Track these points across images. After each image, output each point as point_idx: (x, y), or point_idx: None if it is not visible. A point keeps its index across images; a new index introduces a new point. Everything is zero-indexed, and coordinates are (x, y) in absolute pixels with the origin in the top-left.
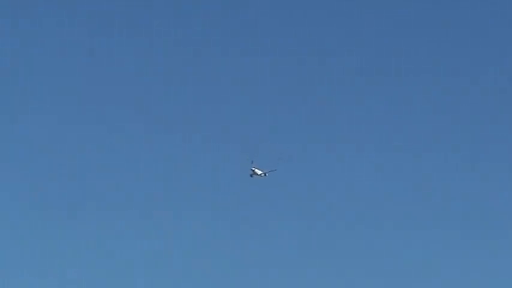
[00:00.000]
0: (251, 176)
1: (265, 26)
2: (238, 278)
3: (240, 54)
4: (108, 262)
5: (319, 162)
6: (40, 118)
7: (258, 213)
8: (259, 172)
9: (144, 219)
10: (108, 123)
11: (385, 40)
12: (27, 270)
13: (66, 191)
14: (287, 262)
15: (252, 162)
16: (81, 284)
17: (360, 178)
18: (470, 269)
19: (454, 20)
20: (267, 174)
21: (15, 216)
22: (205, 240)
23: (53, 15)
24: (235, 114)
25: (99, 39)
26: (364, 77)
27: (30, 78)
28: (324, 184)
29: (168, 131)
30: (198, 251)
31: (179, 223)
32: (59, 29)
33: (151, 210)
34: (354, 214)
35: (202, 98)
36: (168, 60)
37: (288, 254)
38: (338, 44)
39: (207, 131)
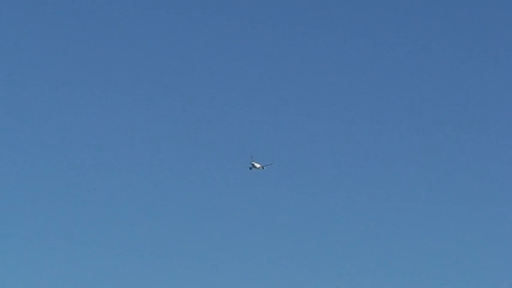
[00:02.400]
0: (250, 168)
1: (265, 26)
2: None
3: (240, 54)
4: (108, 259)
5: (316, 160)
6: (40, 116)
7: (257, 210)
8: (257, 165)
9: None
10: (107, 123)
11: (388, 40)
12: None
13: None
14: (286, 262)
15: (252, 157)
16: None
17: (363, 174)
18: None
19: (455, 19)
20: (264, 168)
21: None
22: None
23: (52, 14)
24: (230, 111)
25: (99, 39)
26: (365, 76)
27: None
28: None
29: (167, 129)
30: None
31: (179, 221)
32: (57, 27)
33: (152, 211)
34: (353, 215)
35: (201, 96)
36: (167, 60)
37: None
38: (340, 43)
39: (204, 130)
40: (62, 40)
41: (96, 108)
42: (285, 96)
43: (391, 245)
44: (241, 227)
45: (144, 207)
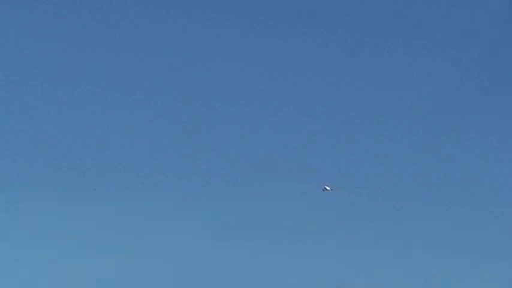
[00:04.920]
0: (323, 190)
1: (265, 26)
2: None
3: (241, 54)
4: (108, 260)
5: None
6: (40, 116)
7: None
8: (328, 188)
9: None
10: (107, 123)
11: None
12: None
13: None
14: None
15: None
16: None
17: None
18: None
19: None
20: (332, 189)
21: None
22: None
23: (52, 14)
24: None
25: (99, 39)
26: (365, 77)
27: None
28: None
29: (170, 130)
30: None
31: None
32: (57, 26)
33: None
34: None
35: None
36: (167, 60)
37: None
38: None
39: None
40: (62, 40)
41: (96, 108)
42: (285, 96)
43: (391, 245)
44: (241, 227)
45: (144, 207)
